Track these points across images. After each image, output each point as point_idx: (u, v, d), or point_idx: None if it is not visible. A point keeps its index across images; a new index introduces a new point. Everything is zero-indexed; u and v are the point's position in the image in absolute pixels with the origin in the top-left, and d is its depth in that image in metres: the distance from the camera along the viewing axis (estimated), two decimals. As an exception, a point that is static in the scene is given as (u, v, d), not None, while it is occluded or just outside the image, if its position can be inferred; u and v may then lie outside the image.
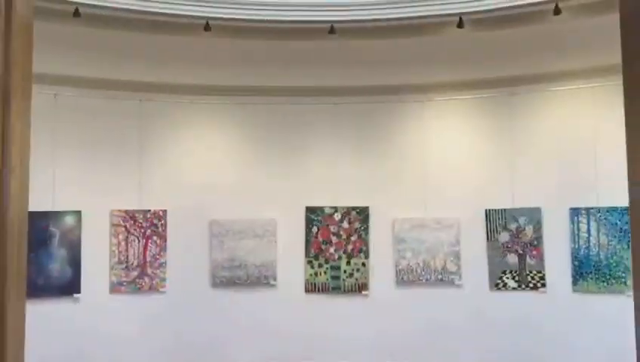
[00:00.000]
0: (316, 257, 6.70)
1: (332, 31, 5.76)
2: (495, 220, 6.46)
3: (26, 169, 1.50)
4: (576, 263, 6.12)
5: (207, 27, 5.65)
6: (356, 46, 6.08)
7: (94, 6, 5.29)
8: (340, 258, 6.70)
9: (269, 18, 5.64)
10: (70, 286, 6.07)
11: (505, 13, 5.46)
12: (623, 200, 5.09)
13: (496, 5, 5.33)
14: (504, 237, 6.43)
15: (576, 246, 6.13)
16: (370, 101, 6.68)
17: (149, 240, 6.47)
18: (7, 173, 1.39)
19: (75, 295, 6.10)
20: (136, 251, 6.43)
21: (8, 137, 1.41)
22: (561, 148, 6.28)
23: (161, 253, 6.49)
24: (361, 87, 6.63)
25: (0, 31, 1.43)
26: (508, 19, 5.55)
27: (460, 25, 5.58)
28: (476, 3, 5.29)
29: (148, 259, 6.45)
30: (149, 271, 6.44)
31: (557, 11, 5.23)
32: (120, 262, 6.36)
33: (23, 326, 1.44)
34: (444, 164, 6.63)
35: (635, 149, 1.44)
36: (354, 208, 6.72)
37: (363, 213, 6.71)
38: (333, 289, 6.68)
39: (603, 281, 5.99)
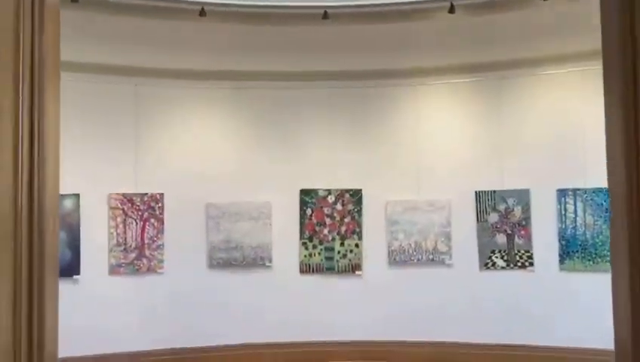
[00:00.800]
0: (310, 239, 6.85)
1: (325, 16, 5.86)
2: (485, 201, 6.63)
3: (57, 153, 1.62)
4: (563, 243, 6.31)
5: (202, 12, 5.73)
6: (350, 31, 6.17)
7: (91, -8, 5.36)
8: (333, 239, 6.85)
9: (263, 4, 5.73)
10: (70, 268, 6.19)
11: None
12: (608, 181, 5.26)
13: (487, -9, 5.44)
14: (493, 217, 6.60)
15: (563, 226, 6.32)
16: (364, 85, 6.80)
17: (147, 223, 6.59)
18: (43, 159, 1.51)
19: (75, 276, 6.22)
20: (134, 233, 6.55)
21: (44, 124, 1.53)
22: (550, 131, 6.44)
23: (159, 236, 6.61)
24: (355, 72, 6.74)
25: (34, 22, 1.54)
26: (498, 5, 5.67)
27: (452, 10, 5.70)
28: (467, -11, 5.40)
29: (146, 241, 6.57)
30: (147, 252, 6.57)
31: (546, -3, 5.35)
32: (118, 245, 6.48)
33: (57, 295, 1.58)
34: (435, 147, 6.77)
35: (613, 132, 1.58)
36: (347, 190, 6.86)
37: (356, 196, 6.86)
38: (327, 269, 6.84)
39: (589, 260, 6.19)
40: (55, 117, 1.62)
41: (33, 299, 1.51)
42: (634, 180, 1.44)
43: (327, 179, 6.83)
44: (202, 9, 5.68)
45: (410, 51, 6.44)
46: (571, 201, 6.28)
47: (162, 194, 6.64)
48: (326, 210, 6.87)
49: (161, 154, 6.70)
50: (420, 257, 6.76)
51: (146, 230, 6.59)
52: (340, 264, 6.85)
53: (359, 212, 6.85)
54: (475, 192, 6.65)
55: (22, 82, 1.50)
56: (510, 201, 6.56)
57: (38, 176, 1.50)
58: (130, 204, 6.54)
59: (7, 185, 1.39)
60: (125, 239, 6.51)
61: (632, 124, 1.47)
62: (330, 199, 6.87)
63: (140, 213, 6.58)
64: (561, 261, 6.31)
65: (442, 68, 6.65)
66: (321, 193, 6.88)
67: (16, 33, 1.51)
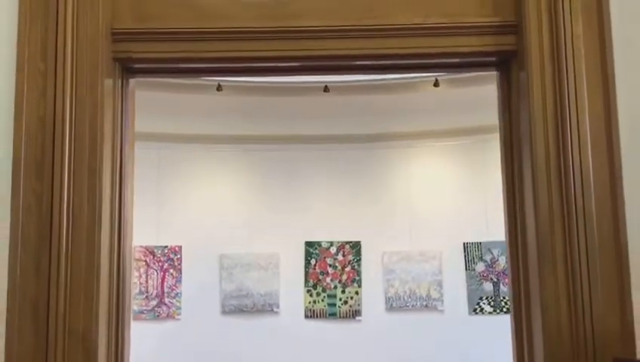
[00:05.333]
0: (314, 286, 7.52)
1: (326, 89, 6.74)
2: (472, 252, 7.30)
3: (132, 213, 2.32)
4: (543, 289, 6.94)
5: (219, 87, 6.60)
6: (348, 101, 7.01)
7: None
8: (335, 287, 7.51)
9: (272, 80, 6.59)
10: (97, 314, 6.86)
11: (474, 75, 6.40)
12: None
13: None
14: (480, 267, 7.27)
15: (542, 274, 6.96)
16: (362, 148, 7.59)
17: (166, 273, 7.30)
18: (125, 217, 2.23)
19: (102, 321, 6.89)
20: (155, 283, 7.24)
21: (126, 188, 2.24)
22: (528, 188, 7.15)
23: (177, 284, 7.30)
24: (354, 136, 7.55)
25: (123, 103, 2.24)
26: (475, 80, 6.48)
27: (436, 84, 6.55)
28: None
29: (165, 289, 7.26)
30: (166, 300, 7.24)
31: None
32: (141, 293, 7.17)
33: (130, 332, 2.25)
34: (426, 203, 7.49)
35: (506, 194, 2.31)
36: (348, 242, 7.56)
37: (356, 247, 7.55)
38: (330, 315, 7.47)
39: (566, 305, 6.81)
40: (132, 182, 2.34)
41: (118, 335, 2.18)
42: (513, 236, 2.17)
43: (330, 232, 7.54)
44: (219, 85, 6.55)
45: (401, 118, 7.24)
46: (549, 251, 6.94)
47: (180, 246, 7.36)
48: (328, 261, 7.56)
49: (179, 210, 7.44)
50: (415, 303, 7.39)
51: (166, 279, 7.28)
52: (341, 310, 7.48)
53: (358, 262, 7.53)
54: (464, 243, 7.33)
55: (117, 154, 2.21)
56: (495, 252, 7.24)
57: (124, 233, 2.22)
58: (152, 256, 7.26)
59: (106, 239, 2.09)
60: (147, 288, 7.20)
61: (511, 187, 2.22)
62: (332, 250, 7.57)
63: (160, 264, 7.29)
64: (542, 306, 6.93)
65: (430, 132, 7.43)
66: (324, 245, 7.58)
67: (114, 113, 2.16)
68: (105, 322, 2.04)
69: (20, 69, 2.05)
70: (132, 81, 2.33)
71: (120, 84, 2.22)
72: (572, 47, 2.01)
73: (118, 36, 2.16)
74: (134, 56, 2.21)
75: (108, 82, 2.13)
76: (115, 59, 2.18)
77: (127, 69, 2.26)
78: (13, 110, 2.04)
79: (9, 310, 1.94)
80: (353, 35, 2.20)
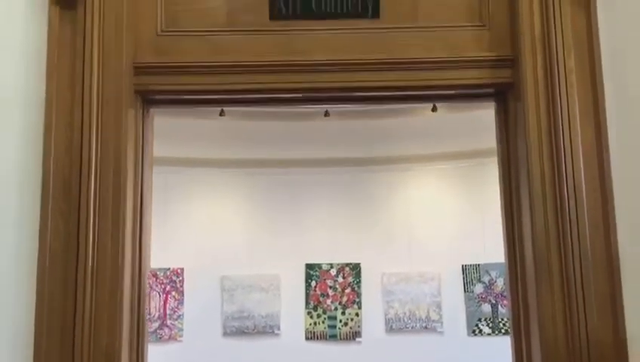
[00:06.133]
0: (315, 308, 7.60)
1: (327, 114, 6.90)
2: (470, 274, 7.41)
3: (150, 235, 2.44)
4: (541, 310, 7.05)
5: (222, 113, 6.75)
6: (348, 125, 7.17)
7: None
8: (336, 309, 7.59)
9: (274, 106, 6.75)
10: (100, 336, 6.92)
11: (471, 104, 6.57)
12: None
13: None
14: (479, 288, 7.37)
15: (540, 295, 7.07)
16: (362, 171, 7.73)
17: (169, 295, 7.38)
18: (147, 234, 2.35)
19: (105, 344, 6.94)
20: (157, 305, 7.32)
21: (146, 213, 2.36)
22: (524, 211, 7.28)
23: (179, 306, 7.38)
24: (353, 159, 7.69)
25: (143, 131, 2.36)
26: (474, 104, 6.66)
27: (434, 109, 6.71)
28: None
29: (167, 311, 7.33)
30: (169, 322, 7.31)
31: (512, 99, 6.36)
32: (144, 315, 7.23)
33: (148, 351, 2.36)
34: (425, 225, 7.61)
35: (504, 217, 2.44)
36: (347, 264, 7.66)
37: (356, 269, 7.65)
38: (331, 336, 7.55)
39: (563, 325, 6.91)
40: (151, 206, 2.45)
41: (139, 351, 2.27)
42: (512, 257, 2.30)
43: (330, 254, 7.64)
44: (222, 110, 6.70)
45: (400, 142, 7.39)
46: (546, 272, 7.06)
47: (182, 268, 7.45)
48: (329, 282, 7.65)
49: (181, 232, 7.53)
50: (414, 325, 7.47)
51: (168, 301, 7.36)
52: (341, 331, 7.56)
53: (358, 283, 7.63)
54: (462, 266, 7.44)
55: (139, 179, 2.33)
56: (493, 274, 7.34)
57: (144, 255, 2.34)
58: (154, 279, 7.34)
59: (128, 261, 2.21)
60: (149, 310, 7.27)
61: (509, 209, 2.36)
62: (333, 272, 7.67)
63: (162, 286, 7.37)
64: (540, 326, 7.02)
65: (428, 156, 7.58)
66: (324, 267, 7.68)
67: (136, 141, 2.30)
68: (127, 339, 2.15)
69: (48, 100, 2.19)
70: (152, 111, 2.47)
71: (141, 114, 2.36)
72: (565, 80, 2.16)
73: (139, 70, 2.31)
74: (154, 88, 2.35)
75: (130, 112, 2.27)
76: (137, 91, 2.32)
77: (148, 100, 2.40)
78: (42, 139, 2.17)
79: (37, 328, 2.06)
80: (356, 68, 2.35)
